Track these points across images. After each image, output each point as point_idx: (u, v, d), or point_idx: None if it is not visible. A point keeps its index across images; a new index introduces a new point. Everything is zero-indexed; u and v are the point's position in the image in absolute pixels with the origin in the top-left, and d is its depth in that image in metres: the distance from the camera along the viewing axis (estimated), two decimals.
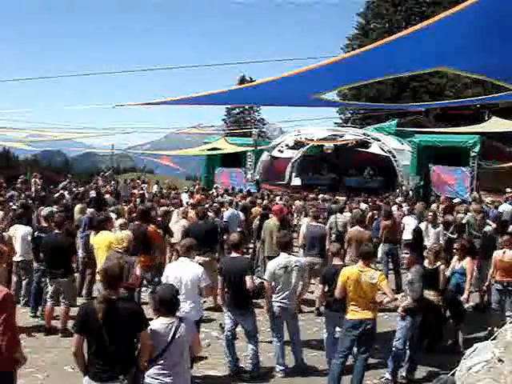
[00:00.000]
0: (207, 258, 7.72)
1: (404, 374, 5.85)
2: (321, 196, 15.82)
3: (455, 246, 7.17)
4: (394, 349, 5.77)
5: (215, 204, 11.72)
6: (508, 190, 16.83)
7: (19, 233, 7.98)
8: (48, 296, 7.25)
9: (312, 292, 8.13)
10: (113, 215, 9.38)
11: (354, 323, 5.33)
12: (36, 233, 7.85)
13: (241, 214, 10.66)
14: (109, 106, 7.27)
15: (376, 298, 5.43)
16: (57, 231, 7.38)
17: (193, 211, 10.05)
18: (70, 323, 6.95)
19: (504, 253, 7.10)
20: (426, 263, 6.76)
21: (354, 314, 5.36)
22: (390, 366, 5.77)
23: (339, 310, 5.56)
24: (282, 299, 5.92)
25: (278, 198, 15.73)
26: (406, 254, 6.04)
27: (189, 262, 5.65)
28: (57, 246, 7.11)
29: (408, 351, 5.83)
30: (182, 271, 5.50)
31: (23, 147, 24.57)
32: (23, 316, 7.44)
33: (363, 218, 9.26)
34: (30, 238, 7.84)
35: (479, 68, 5.24)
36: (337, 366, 5.39)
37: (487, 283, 7.52)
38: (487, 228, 9.24)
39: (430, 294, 6.58)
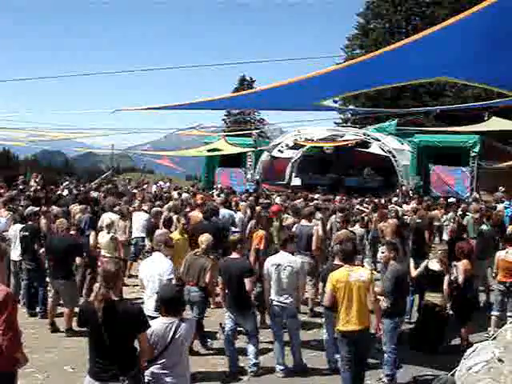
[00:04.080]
0: (211, 257, 7.67)
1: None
2: (318, 196, 15.79)
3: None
4: (385, 354, 5.73)
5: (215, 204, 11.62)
6: (501, 189, 16.87)
7: (18, 232, 7.99)
8: (51, 295, 7.34)
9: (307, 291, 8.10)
10: (116, 216, 9.40)
11: (345, 335, 5.14)
12: (21, 232, 7.86)
13: (237, 214, 10.56)
14: (108, 111, 7.27)
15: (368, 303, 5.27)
16: (71, 232, 7.44)
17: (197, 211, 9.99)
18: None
19: (507, 252, 7.11)
20: (429, 265, 6.74)
21: (345, 325, 5.10)
22: (385, 369, 5.74)
23: None
24: (279, 297, 5.91)
25: (277, 198, 15.69)
26: (382, 252, 6.03)
27: (160, 257, 5.69)
28: (61, 248, 7.13)
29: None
30: (152, 267, 5.56)
31: (23, 146, 24.58)
32: (23, 316, 7.45)
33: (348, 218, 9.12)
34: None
35: (480, 77, 5.24)
36: (346, 375, 5.20)
37: (489, 283, 7.48)
38: (483, 227, 9.21)
39: (432, 296, 6.57)
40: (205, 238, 6.49)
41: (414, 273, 7.06)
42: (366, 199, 14.86)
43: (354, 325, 5.07)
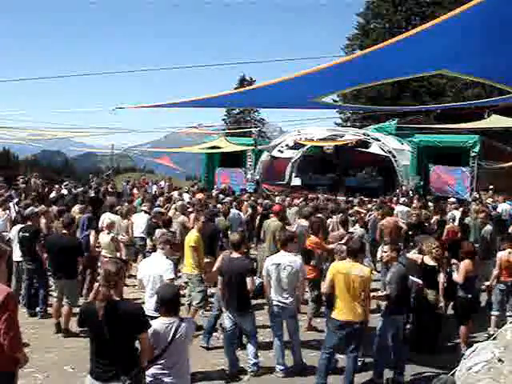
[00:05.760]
0: (208, 260, 7.70)
1: (391, 377, 5.80)
2: (322, 196, 15.82)
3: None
4: (374, 351, 5.80)
5: (220, 206, 11.53)
6: (491, 186, 16.89)
7: (17, 233, 7.99)
8: (55, 295, 7.34)
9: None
10: (116, 216, 9.41)
11: (340, 323, 5.35)
12: (20, 233, 7.85)
13: (241, 215, 10.63)
14: (109, 108, 7.24)
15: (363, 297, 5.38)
16: (64, 231, 7.41)
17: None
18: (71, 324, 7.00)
19: (510, 253, 7.12)
20: (425, 259, 6.75)
21: (340, 314, 5.36)
22: (375, 367, 5.81)
23: None
24: (279, 297, 5.91)
25: (277, 198, 15.70)
26: (385, 252, 6.09)
27: (161, 256, 5.70)
28: (62, 247, 7.12)
29: (392, 353, 5.81)
30: (151, 266, 5.57)
31: (23, 144, 24.61)
32: (23, 316, 7.44)
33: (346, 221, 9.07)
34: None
35: (480, 71, 5.23)
36: (322, 362, 5.49)
37: (489, 283, 7.48)
38: (487, 228, 9.21)
39: (427, 293, 6.58)
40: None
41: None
42: (356, 199, 14.88)
43: (349, 316, 5.29)
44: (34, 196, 12.22)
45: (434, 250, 6.69)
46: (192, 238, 7.23)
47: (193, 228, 7.69)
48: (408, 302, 6.21)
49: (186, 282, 7.71)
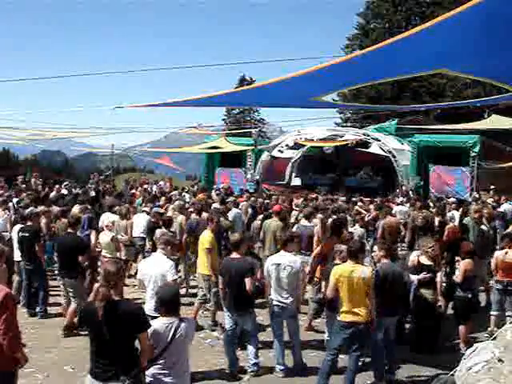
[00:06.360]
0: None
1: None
2: (321, 196, 15.81)
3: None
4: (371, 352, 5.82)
5: (226, 206, 11.48)
6: (492, 186, 16.93)
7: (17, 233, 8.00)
8: (63, 295, 7.39)
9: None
10: (115, 216, 9.41)
11: (344, 325, 5.36)
12: (20, 232, 7.85)
13: (243, 215, 10.64)
14: (108, 108, 7.22)
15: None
16: (70, 231, 7.45)
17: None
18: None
19: (506, 253, 7.12)
20: (421, 259, 6.76)
21: (345, 316, 5.35)
22: (374, 368, 5.82)
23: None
24: (279, 297, 5.91)
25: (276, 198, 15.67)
26: (374, 252, 6.12)
27: (161, 256, 5.69)
28: (68, 246, 7.16)
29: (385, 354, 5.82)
30: (152, 267, 5.56)
31: (24, 145, 24.61)
32: (23, 316, 7.45)
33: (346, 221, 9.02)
34: None
35: (480, 70, 5.23)
36: (326, 364, 5.47)
37: (490, 282, 7.50)
38: (483, 227, 9.22)
39: (425, 293, 6.59)
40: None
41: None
42: (354, 198, 14.86)
43: (354, 317, 5.29)
44: (33, 196, 12.21)
45: (429, 250, 6.71)
46: (207, 239, 7.15)
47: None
48: (404, 301, 6.21)
49: (185, 280, 7.70)
